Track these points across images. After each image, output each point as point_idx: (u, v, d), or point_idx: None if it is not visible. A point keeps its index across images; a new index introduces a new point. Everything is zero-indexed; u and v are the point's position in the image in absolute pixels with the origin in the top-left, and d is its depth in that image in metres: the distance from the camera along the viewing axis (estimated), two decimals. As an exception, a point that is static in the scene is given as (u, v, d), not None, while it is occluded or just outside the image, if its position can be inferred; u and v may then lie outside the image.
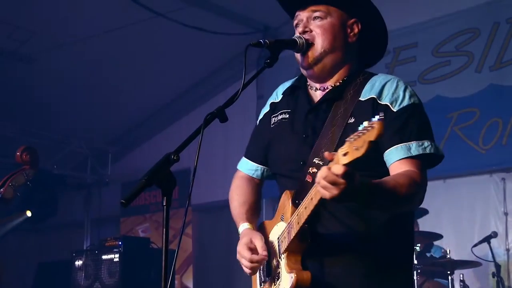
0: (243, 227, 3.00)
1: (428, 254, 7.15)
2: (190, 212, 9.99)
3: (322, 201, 2.46)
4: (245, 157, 3.21)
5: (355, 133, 2.24)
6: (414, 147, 2.68)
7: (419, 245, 6.60)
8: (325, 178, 2.31)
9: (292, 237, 2.66)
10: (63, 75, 9.61)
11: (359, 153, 2.21)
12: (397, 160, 2.68)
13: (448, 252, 6.60)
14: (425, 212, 7.10)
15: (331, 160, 2.34)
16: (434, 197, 7.88)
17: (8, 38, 8.86)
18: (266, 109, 3.13)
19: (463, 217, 7.98)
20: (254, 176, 3.16)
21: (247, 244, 2.85)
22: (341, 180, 2.29)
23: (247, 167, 3.18)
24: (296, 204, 2.70)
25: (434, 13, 8.46)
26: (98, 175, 11.27)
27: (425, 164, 2.71)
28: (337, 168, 2.28)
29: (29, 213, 10.28)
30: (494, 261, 6.95)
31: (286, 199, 2.82)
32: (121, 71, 9.83)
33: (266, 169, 3.12)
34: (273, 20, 9.39)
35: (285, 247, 2.71)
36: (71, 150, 10.91)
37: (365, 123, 2.23)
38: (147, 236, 9.72)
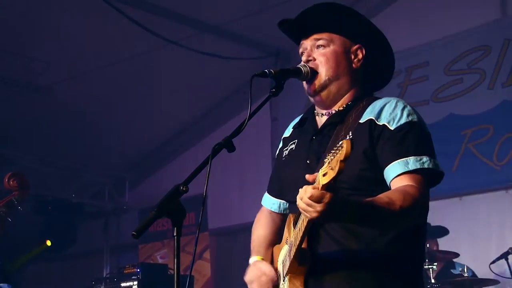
0: (252, 260, 3.07)
1: (454, 272, 7.06)
2: (207, 237, 10.02)
3: (317, 222, 2.47)
4: (267, 192, 3.25)
5: (331, 153, 2.27)
6: (412, 162, 2.65)
7: (436, 264, 6.56)
8: (302, 200, 2.35)
9: (291, 259, 2.68)
10: (79, 105, 9.69)
11: (334, 173, 2.23)
12: (395, 176, 2.65)
13: (465, 270, 6.56)
14: (445, 232, 7.06)
15: (313, 181, 2.37)
16: (451, 215, 7.86)
17: (24, 69, 8.96)
18: (280, 145, 3.18)
19: (480, 234, 7.90)
20: (273, 209, 3.19)
21: (258, 270, 2.94)
22: (315, 203, 2.32)
23: (268, 202, 3.22)
24: (295, 227, 2.74)
25: (444, 31, 8.47)
26: (116, 202, 11.33)
27: (425, 179, 2.66)
28: (308, 190, 2.32)
29: (49, 243, 10.42)
30: (513, 278, 6.90)
31: (289, 223, 2.86)
32: (136, 98, 9.91)
33: (283, 202, 3.14)
34: (285, 43, 9.38)
35: (287, 269, 2.74)
36: (88, 178, 10.99)
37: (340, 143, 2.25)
38: (165, 262, 9.75)
